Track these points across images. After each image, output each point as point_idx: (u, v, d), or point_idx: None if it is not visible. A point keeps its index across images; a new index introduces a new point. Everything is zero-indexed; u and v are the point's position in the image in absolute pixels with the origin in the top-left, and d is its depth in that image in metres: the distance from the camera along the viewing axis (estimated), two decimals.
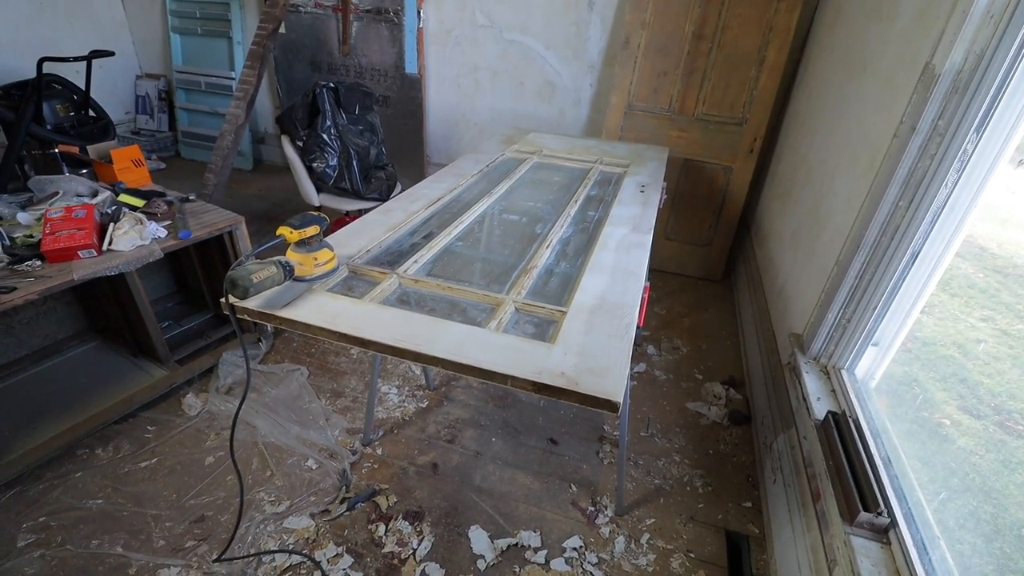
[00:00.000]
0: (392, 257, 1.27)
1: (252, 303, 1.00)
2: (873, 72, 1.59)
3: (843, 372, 1.43)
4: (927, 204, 1.19)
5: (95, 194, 1.81)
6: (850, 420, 1.24)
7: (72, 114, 3.19)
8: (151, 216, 1.79)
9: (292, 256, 1.07)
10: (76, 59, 2.99)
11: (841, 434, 1.21)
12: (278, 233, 1.05)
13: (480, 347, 0.92)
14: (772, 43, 2.55)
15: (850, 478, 1.10)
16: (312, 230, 1.07)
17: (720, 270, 3.06)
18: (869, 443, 1.17)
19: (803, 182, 2.10)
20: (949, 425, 1.41)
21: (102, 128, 3.29)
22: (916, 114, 1.18)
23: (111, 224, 1.64)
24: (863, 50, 1.72)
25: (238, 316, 1.02)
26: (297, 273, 1.07)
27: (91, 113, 3.32)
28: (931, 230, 1.20)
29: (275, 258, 1.02)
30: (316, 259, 1.09)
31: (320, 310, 1.00)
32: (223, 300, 1.00)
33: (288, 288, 1.06)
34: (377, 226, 1.37)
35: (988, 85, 1.04)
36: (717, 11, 2.59)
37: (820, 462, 1.25)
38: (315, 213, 1.10)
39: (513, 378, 0.86)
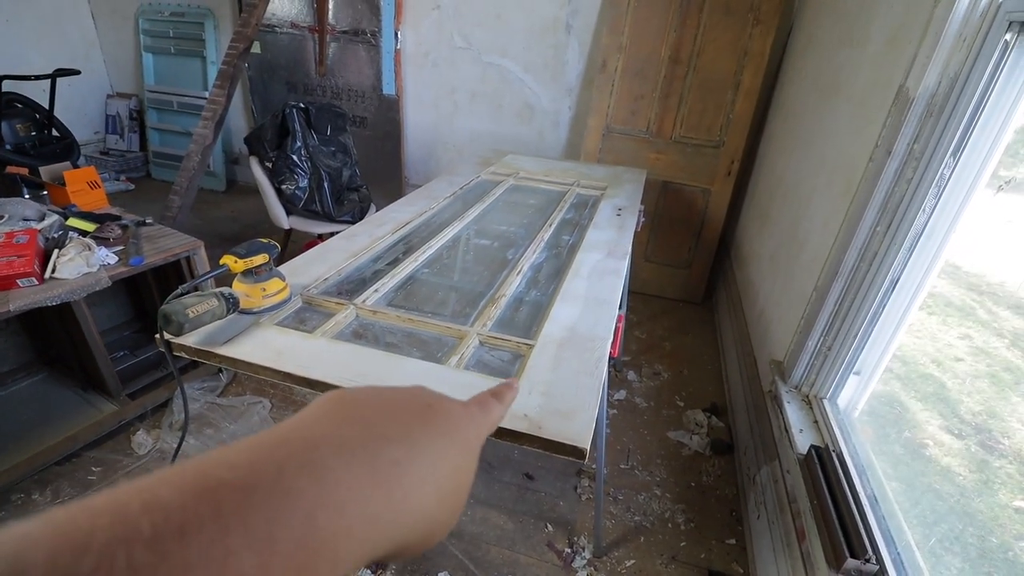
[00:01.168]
0: (352, 286, 1.20)
1: (190, 339, 0.92)
2: (847, 96, 1.57)
3: (825, 402, 1.38)
4: (905, 229, 1.15)
5: (43, 218, 1.71)
6: (834, 455, 1.18)
7: (34, 134, 3.09)
8: (102, 241, 1.69)
9: (238, 287, 0.99)
10: (38, 77, 2.90)
11: (825, 470, 1.15)
12: (221, 263, 0.97)
13: (439, 386, 0.84)
14: (747, 67, 2.56)
15: (835, 519, 1.04)
16: (260, 259, 0.99)
17: (701, 292, 3.03)
18: (854, 480, 1.11)
19: (780, 205, 2.08)
20: (932, 445, 1.37)
21: (66, 148, 3.19)
22: (891, 138, 1.16)
23: (56, 250, 1.54)
24: (836, 74, 1.72)
25: (175, 354, 0.93)
26: (243, 305, 0.99)
27: (55, 133, 3.22)
28: (910, 256, 1.17)
29: (217, 289, 0.94)
30: (265, 290, 1.01)
31: (264, 346, 0.92)
32: (157, 336, 0.92)
33: (233, 322, 0.97)
34: (338, 252, 1.30)
35: (963, 108, 1.01)
36: (692, 35, 2.60)
37: (804, 499, 1.19)
38: (264, 240, 1.02)
39: None
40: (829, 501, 1.08)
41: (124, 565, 0.13)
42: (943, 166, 1.07)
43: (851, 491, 1.08)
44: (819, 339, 1.38)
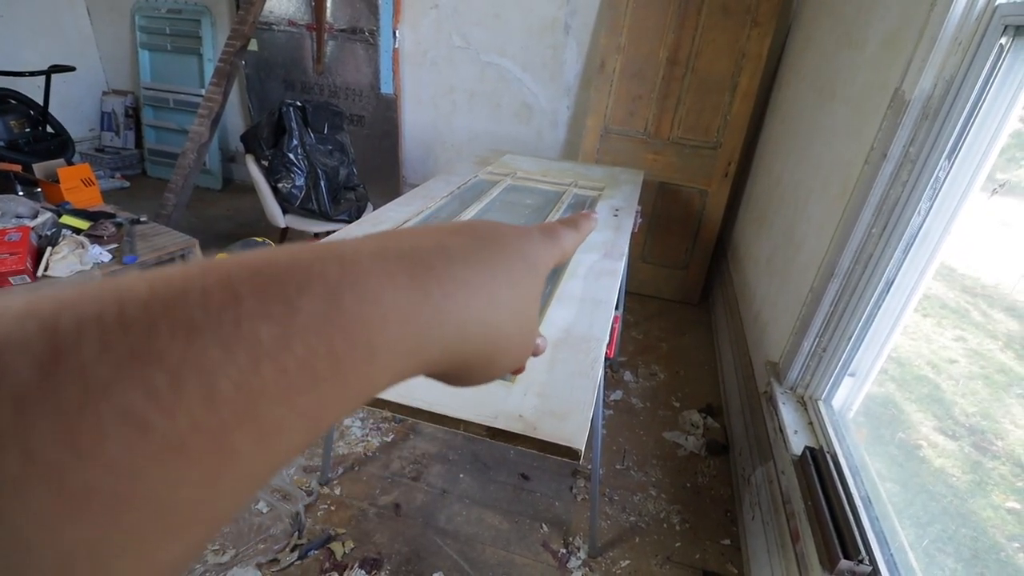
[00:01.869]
0: None
1: None
2: (843, 98, 1.58)
3: (820, 403, 1.38)
4: (900, 231, 1.16)
5: (36, 215, 1.70)
6: (828, 457, 1.18)
7: (28, 130, 3.07)
8: (96, 239, 1.68)
9: None
10: (32, 74, 2.88)
11: (819, 472, 1.15)
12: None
13: (433, 387, 0.84)
14: (745, 69, 2.57)
15: (829, 521, 1.04)
16: None
17: (697, 294, 3.04)
18: (848, 482, 1.11)
19: (777, 206, 2.09)
20: (926, 446, 1.37)
21: (60, 145, 3.17)
22: (887, 140, 1.16)
23: (48, 248, 1.53)
24: (833, 76, 1.72)
25: None
26: None
27: (49, 129, 3.21)
28: (905, 258, 1.17)
29: None
30: None
31: None
32: None
33: None
34: None
35: (959, 111, 1.02)
36: (691, 37, 2.60)
37: (798, 500, 1.19)
38: (259, 239, 1.02)
39: (466, 422, 0.79)
40: (823, 502, 1.08)
41: (113, 319, 0.11)
42: (938, 169, 1.07)
43: (845, 492, 1.08)
44: (814, 340, 1.38)
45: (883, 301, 1.22)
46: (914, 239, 1.14)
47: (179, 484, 0.11)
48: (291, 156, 2.40)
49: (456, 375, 0.21)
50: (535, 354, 0.27)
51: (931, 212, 1.11)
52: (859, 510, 1.05)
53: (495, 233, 0.22)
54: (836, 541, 0.99)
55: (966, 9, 1.00)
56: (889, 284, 1.20)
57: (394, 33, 3.32)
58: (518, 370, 0.27)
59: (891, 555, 0.98)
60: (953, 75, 1.03)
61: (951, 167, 1.06)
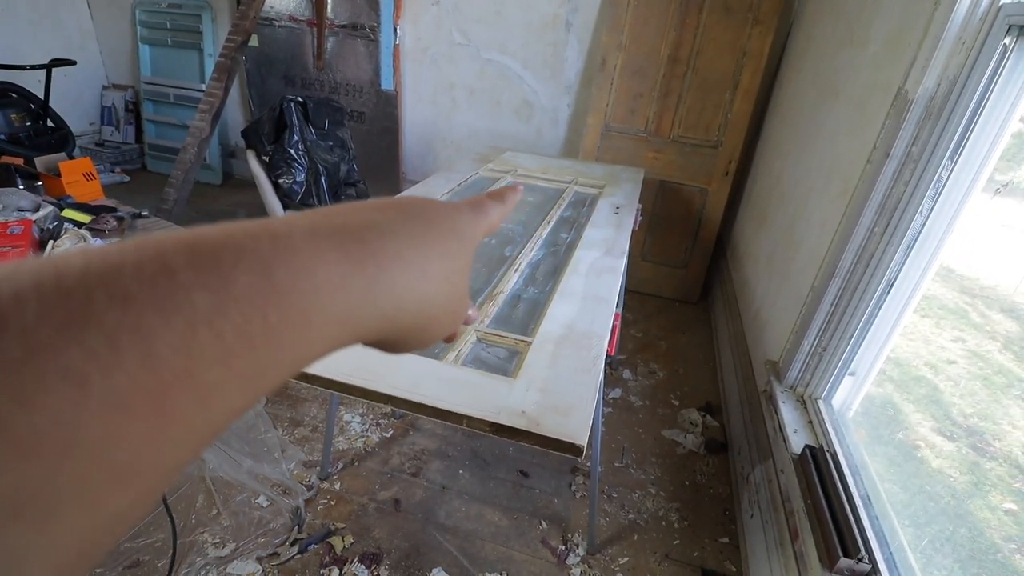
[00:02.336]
0: None
1: None
2: (845, 97, 1.58)
3: (820, 403, 1.38)
4: (902, 231, 1.16)
5: (38, 208, 1.70)
6: (828, 455, 1.19)
7: (29, 124, 3.06)
8: (98, 233, 1.68)
9: None
10: (33, 67, 2.87)
11: (819, 470, 1.16)
12: None
13: (436, 383, 0.85)
14: (746, 67, 2.57)
15: (829, 519, 1.04)
16: None
17: (697, 292, 3.04)
18: (848, 481, 1.12)
19: (778, 205, 2.09)
20: (924, 447, 1.38)
21: (61, 139, 3.17)
22: (889, 139, 1.16)
23: (51, 242, 1.52)
24: (835, 75, 1.72)
25: None
26: None
27: (50, 123, 3.20)
28: (906, 258, 1.17)
29: None
30: None
31: None
32: None
33: None
34: None
35: (962, 111, 1.02)
36: (692, 35, 2.60)
37: (798, 498, 1.20)
38: None
39: (469, 418, 0.79)
40: (823, 500, 1.09)
41: (52, 287, 0.12)
42: (941, 168, 1.07)
43: (845, 491, 1.09)
44: (815, 339, 1.38)
45: (884, 301, 1.22)
46: (916, 239, 1.15)
47: (121, 437, 0.12)
48: (292, 152, 2.40)
49: (392, 343, 0.22)
50: (466, 323, 0.29)
51: (933, 212, 1.11)
52: (859, 509, 1.05)
53: (425, 208, 0.23)
54: (836, 539, 1.00)
55: (970, 8, 1.00)
56: (890, 284, 1.20)
57: (395, 29, 3.31)
58: (450, 337, 0.28)
59: (891, 554, 0.99)
60: (957, 75, 1.03)
61: (954, 167, 1.06)
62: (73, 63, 3.10)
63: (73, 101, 4.07)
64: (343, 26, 3.42)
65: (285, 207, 2.52)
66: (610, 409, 2.08)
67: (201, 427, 0.13)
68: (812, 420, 1.35)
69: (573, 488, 1.71)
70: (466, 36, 3.25)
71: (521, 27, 3.12)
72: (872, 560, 0.96)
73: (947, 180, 1.08)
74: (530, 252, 1.41)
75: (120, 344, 0.12)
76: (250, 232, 0.16)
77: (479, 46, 3.25)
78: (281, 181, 2.42)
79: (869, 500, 1.10)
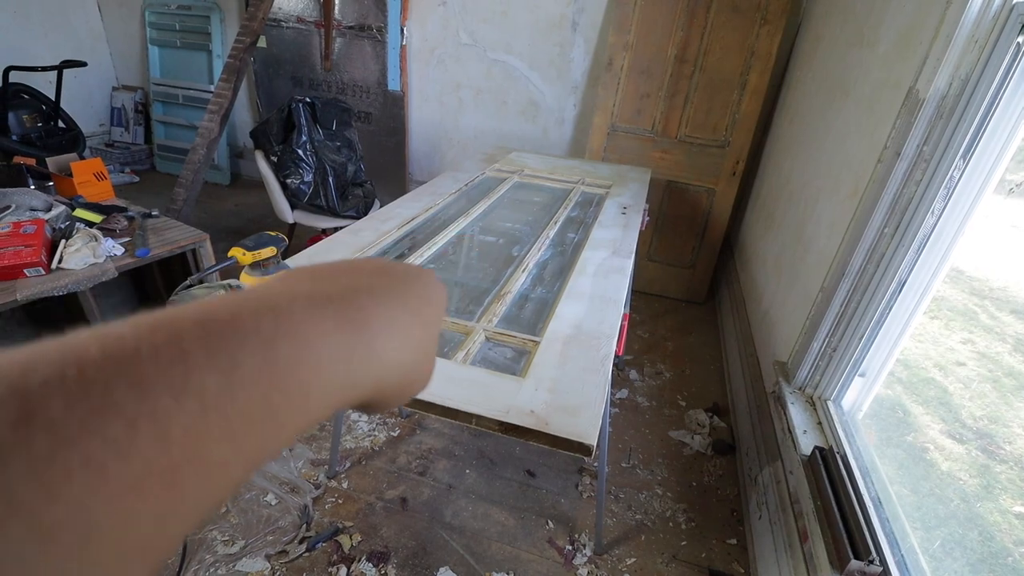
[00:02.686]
0: None
1: None
2: (856, 97, 1.57)
3: (829, 404, 1.38)
4: (913, 231, 1.15)
5: (50, 208, 1.72)
6: (838, 457, 1.18)
7: (40, 125, 3.09)
8: (109, 232, 1.70)
9: (245, 280, 1.00)
10: (44, 68, 2.90)
11: (829, 472, 1.15)
12: (230, 255, 0.98)
13: (444, 381, 0.85)
14: (754, 67, 2.56)
15: (839, 521, 1.04)
16: (267, 252, 0.99)
17: (704, 292, 3.03)
18: (858, 482, 1.11)
19: (786, 206, 2.08)
20: (933, 450, 1.37)
21: (71, 139, 3.20)
22: (900, 139, 1.15)
23: (63, 241, 1.54)
24: (845, 75, 1.71)
25: None
26: None
27: (60, 124, 3.23)
28: (917, 258, 1.17)
29: (226, 281, 0.95)
30: None
31: None
32: None
33: None
34: (344, 247, 1.30)
35: (974, 111, 1.01)
36: (699, 35, 2.59)
37: (807, 500, 1.19)
38: (272, 234, 1.02)
39: (478, 417, 0.79)
40: (833, 502, 1.08)
41: (74, 379, 0.12)
42: (953, 168, 1.06)
43: (855, 493, 1.08)
44: (824, 340, 1.38)
45: (895, 301, 1.22)
46: (927, 239, 1.14)
47: (134, 518, 0.12)
48: (300, 152, 2.41)
49: (374, 404, 0.23)
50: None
51: (944, 212, 1.10)
52: (869, 511, 1.04)
53: (408, 275, 0.26)
54: (846, 541, 0.99)
55: (983, 7, 0.99)
56: (901, 285, 1.20)
57: (402, 30, 3.32)
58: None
59: (902, 556, 0.98)
60: (969, 73, 1.02)
61: (966, 167, 1.06)
62: (84, 64, 3.13)
63: (84, 102, 4.11)
64: (350, 27, 3.43)
65: (293, 207, 2.53)
66: (617, 410, 2.07)
67: (206, 500, 0.14)
68: (822, 421, 1.35)
69: (580, 488, 1.71)
70: (472, 36, 3.25)
71: (527, 27, 3.12)
72: (883, 562, 0.95)
73: (959, 180, 1.07)
74: (537, 252, 1.41)
75: (138, 430, 0.13)
76: (255, 308, 0.17)
77: (485, 46, 3.25)
78: (289, 181, 2.43)
79: (880, 502, 1.09)
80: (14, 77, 2.89)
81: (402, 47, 3.36)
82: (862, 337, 1.28)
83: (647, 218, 1.91)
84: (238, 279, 0.98)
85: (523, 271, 1.29)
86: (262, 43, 3.63)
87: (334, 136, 2.58)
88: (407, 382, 0.24)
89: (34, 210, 1.71)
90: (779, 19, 2.47)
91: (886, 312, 1.23)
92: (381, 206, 2.62)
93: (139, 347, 0.14)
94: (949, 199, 1.09)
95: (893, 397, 1.49)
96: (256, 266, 0.99)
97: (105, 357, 0.13)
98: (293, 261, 1.18)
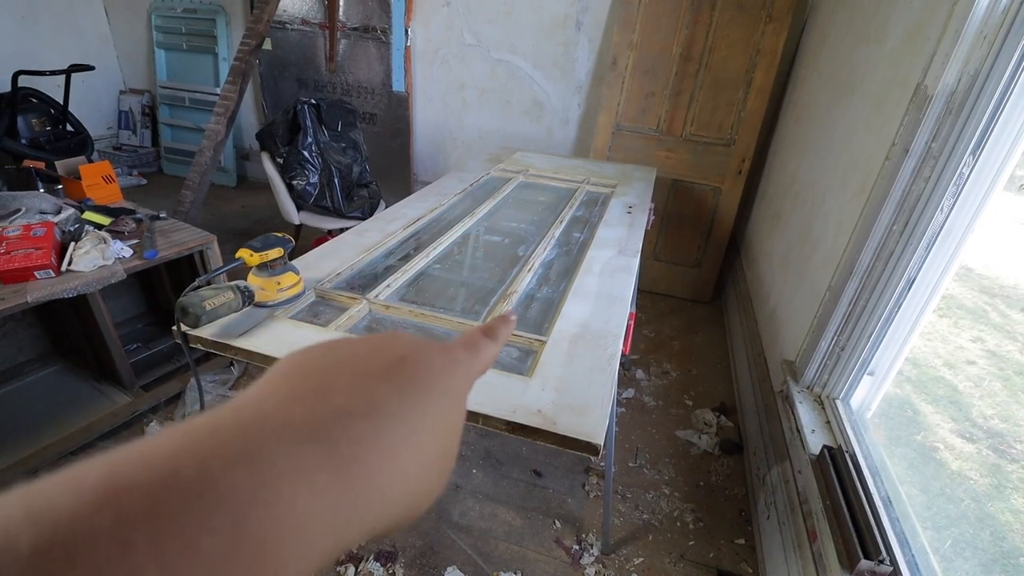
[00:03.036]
0: (364, 281, 1.20)
1: (206, 331, 0.92)
2: (863, 94, 1.56)
3: (838, 403, 1.37)
4: (922, 229, 1.14)
5: (59, 211, 1.73)
6: (847, 456, 1.17)
7: (48, 128, 3.12)
8: (118, 235, 1.71)
9: (253, 280, 1.00)
10: (53, 72, 2.92)
11: (838, 471, 1.14)
12: (237, 256, 0.98)
13: None
14: (759, 65, 2.54)
15: (848, 520, 1.03)
16: (274, 253, 1.00)
17: (710, 292, 3.02)
18: (868, 481, 1.10)
19: (793, 204, 2.07)
20: (943, 449, 1.36)
21: (80, 143, 3.22)
22: (908, 136, 1.15)
23: (72, 243, 1.55)
24: (852, 72, 1.70)
25: (191, 345, 0.94)
26: (258, 299, 1.00)
27: (69, 128, 3.25)
28: (926, 256, 1.16)
29: (233, 283, 0.95)
30: (279, 283, 1.02)
31: (279, 339, 0.92)
32: (175, 328, 0.92)
33: (248, 315, 0.98)
34: (350, 248, 1.30)
35: (984, 106, 1.00)
36: (704, 33, 2.58)
37: (816, 500, 1.18)
38: (279, 235, 1.03)
39: (485, 416, 0.79)
40: (842, 502, 1.07)
41: (68, 546, 0.11)
42: (962, 165, 1.05)
43: (864, 492, 1.07)
44: (832, 339, 1.37)
45: (903, 300, 1.21)
46: (936, 237, 1.13)
47: None
48: (305, 154, 2.42)
49: (373, 539, 0.20)
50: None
51: (954, 209, 1.10)
52: (879, 510, 1.04)
53: (419, 366, 0.21)
54: (856, 541, 0.98)
55: (992, 2, 0.98)
56: (910, 282, 1.19)
57: (406, 31, 3.33)
58: None
59: (912, 556, 0.97)
60: (978, 69, 1.01)
61: (975, 163, 1.05)
62: (91, 68, 3.16)
63: (92, 106, 4.15)
64: (355, 28, 3.45)
65: (299, 208, 2.54)
66: (623, 409, 2.07)
67: None
68: (830, 420, 1.34)
69: (587, 488, 1.70)
70: (476, 37, 3.26)
71: (531, 27, 3.12)
72: (893, 562, 0.95)
73: (968, 177, 1.06)
74: (543, 252, 1.41)
75: None
76: (228, 458, 0.15)
77: (489, 46, 3.25)
78: (295, 183, 2.44)
79: (890, 501, 1.09)
80: (23, 81, 2.91)
81: (406, 48, 3.37)
82: (871, 336, 1.27)
83: (652, 217, 1.90)
84: (246, 280, 0.99)
85: (529, 271, 1.29)
86: (267, 45, 3.64)
87: (339, 137, 2.59)
88: (417, 502, 0.20)
89: (44, 213, 1.73)
90: (785, 16, 2.45)
91: (895, 310, 1.22)
92: (386, 207, 2.62)
93: (74, 542, 0.12)
94: (958, 196, 1.08)
95: (902, 396, 1.48)
96: (263, 267, 1.00)
97: (33, 555, 0.11)
98: (302, 261, 1.19)
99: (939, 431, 1.42)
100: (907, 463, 1.31)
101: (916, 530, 1.04)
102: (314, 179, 2.45)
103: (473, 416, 0.80)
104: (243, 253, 0.97)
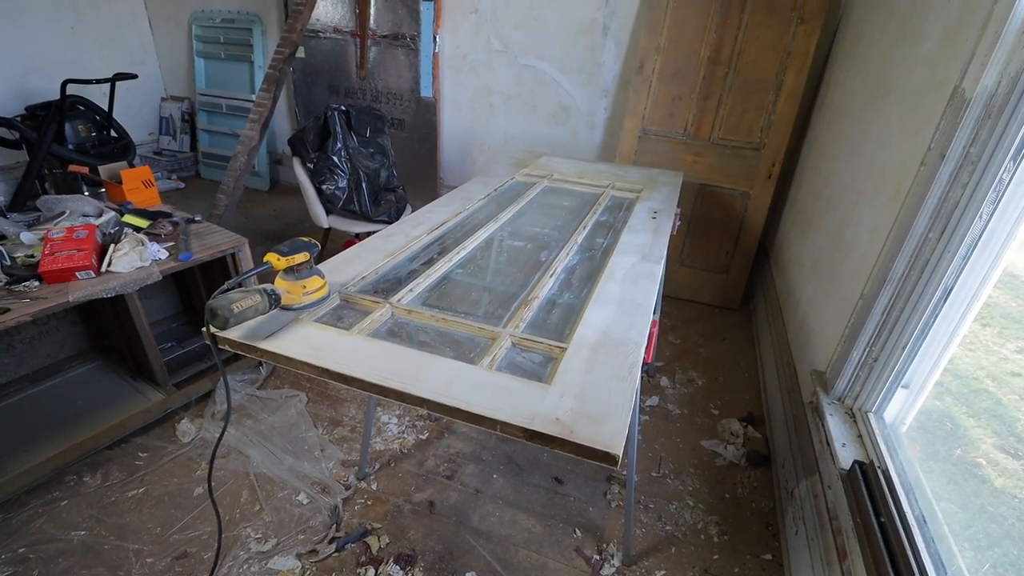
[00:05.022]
0: (388, 285, 1.22)
1: (234, 333, 0.95)
2: (898, 97, 1.51)
3: (871, 416, 1.32)
4: (960, 236, 1.10)
5: (101, 214, 1.81)
6: (879, 472, 1.13)
7: (94, 134, 3.26)
8: (155, 237, 1.78)
9: (280, 284, 1.03)
10: (99, 81, 3.06)
11: (869, 488, 1.10)
12: (265, 260, 1.01)
13: (470, 387, 0.85)
14: (790, 68, 2.49)
15: (880, 540, 0.99)
16: (300, 257, 1.02)
17: (738, 298, 2.96)
18: (901, 499, 1.06)
19: (824, 209, 2.01)
20: (985, 465, 1.30)
21: (123, 148, 3.36)
22: (945, 140, 1.10)
23: (112, 245, 1.62)
24: (886, 74, 1.65)
25: (219, 347, 0.97)
26: (284, 302, 1.02)
27: (113, 133, 3.40)
28: (965, 264, 1.11)
29: (261, 286, 0.98)
30: (305, 287, 1.04)
31: (304, 342, 0.94)
32: (204, 330, 0.95)
33: (274, 317, 1.01)
34: (375, 252, 1.32)
35: None
36: (733, 36, 2.54)
37: (846, 516, 1.14)
38: (306, 239, 1.05)
39: (503, 423, 0.79)
40: (874, 520, 1.04)
41: None
42: (1002, 170, 1.01)
43: (898, 510, 1.03)
44: (865, 349, 1.32)
45: (940, 309, 1.16)
46: (975, 244, 1.08)
47: None
48: (335, 159, 2.47)
49: None
50: None
51: (994, 216, 1.05)
52: (913, 530, 1.00)
53: None
54: (888, 561, 0.95)
55: None
56: (947, 292, 1.14)
57: (434, 38, 3.37)
58: None
59: None
60: (1019, 71, 0.97)
61: (1016, 168, 1.00)
62: (134, 77, 3.29)
63: (135, 112, 4.33)
64: (385, 36, 3.51)
65: (328, 212, 2.60)
66: (647, 417, 2.04)
67: None
68: (862, 434, 1.29)
69: (608, 497, 1.69)
70: (504, 43, 3.28)
71: (558, 32, 3.12)
72: None
73: (1009, 182, 1.01)
74: (565, 257, 1.41)
75: None
76: None
77: (516, 52, 3.27)
78: (324, 187, 2.50)
79: (924, 520, 1.04)
80: (71, 90, 3.06)
81: (434, 54, 3.41)
82: (905, 346, 1.22)
83: (679, 222, 1.88)
84: (273, 284, 1.01)
85: (551, 276, 1.29)
86: (300, 53, 3.74)
87: (368, 143, 2.64)
88: None
89: (86, 216, 1.81)
90: (816, 18, 2.40)
91: (931, 320, 1.18)
92: (412, 211, 2.66)
93: None
94: (998, 203, 1.03)
95: (942, 408, 1.42)
96: (290, 271, 1.02)
97: None
98: (328, 265, 1.21)
99: (981, 446, 1.36)
100: (946, 478, 1.25)
101: (952, 551, 1.00)
102: (343, 184, 2.50)
103: (491, 423, 0.80)
104: (271, 257, 1.00)
